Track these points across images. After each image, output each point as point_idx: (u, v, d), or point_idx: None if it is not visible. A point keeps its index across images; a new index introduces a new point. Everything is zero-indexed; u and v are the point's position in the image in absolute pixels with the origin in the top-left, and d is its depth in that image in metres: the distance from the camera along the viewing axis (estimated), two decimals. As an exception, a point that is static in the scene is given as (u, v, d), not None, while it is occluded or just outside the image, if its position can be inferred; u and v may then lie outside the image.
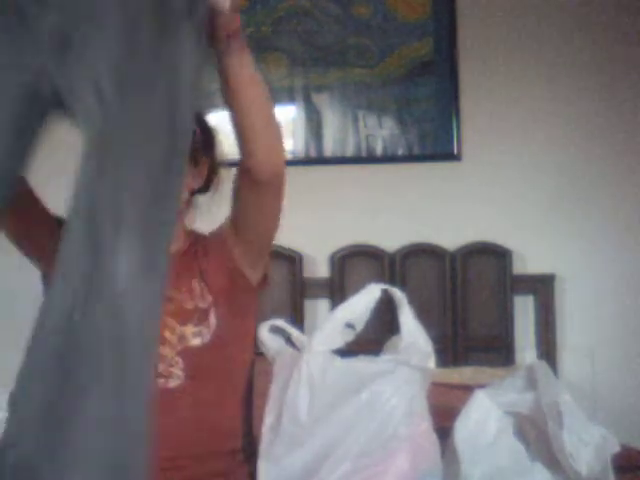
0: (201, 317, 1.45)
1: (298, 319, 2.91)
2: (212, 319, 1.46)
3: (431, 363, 1.46)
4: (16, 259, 2.98)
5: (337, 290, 2.94)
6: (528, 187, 3.02)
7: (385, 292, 1.50)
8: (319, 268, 3.02)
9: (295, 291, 2.93)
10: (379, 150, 3.05)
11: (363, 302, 1.47)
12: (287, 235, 2.97)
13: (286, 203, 3.04)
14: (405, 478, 1.34)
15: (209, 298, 1.47)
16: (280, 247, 2.95)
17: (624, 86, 3.01)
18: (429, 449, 1.40)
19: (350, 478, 1.34)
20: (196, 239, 1.57)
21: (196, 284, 1.48)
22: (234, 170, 1.57)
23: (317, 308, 3.00)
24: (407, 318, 1.48)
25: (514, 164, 3.03)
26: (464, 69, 3.02)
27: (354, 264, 2.98)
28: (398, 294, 1.50)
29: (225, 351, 1.46)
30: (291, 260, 2.95)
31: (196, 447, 1.42)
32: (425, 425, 1.42)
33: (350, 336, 1.45)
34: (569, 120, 3.03)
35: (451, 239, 2.98)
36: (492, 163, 3.04)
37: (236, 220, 1.50)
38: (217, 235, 1.55)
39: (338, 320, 1.45)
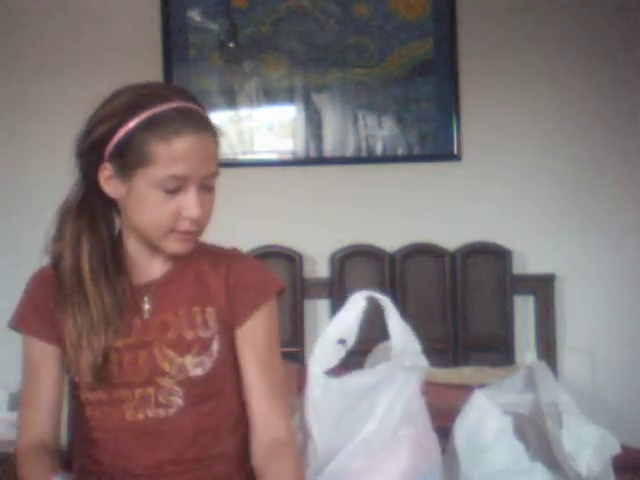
0: (202, 347, 1.39)
1: (298, 319, 2.91)
2: (215, 347, 1.40)
3: (422, 361, 1.46)
4: (15, 261, 2.98)
5: (337, 290, 2.94)
6: (528, 187, 3.02)
7: (370, 298, 1.50)
8: (319, 268, 3.02)
9: (295, 291, 2.93)
10: (379, 150, 3.05)
11: (350, 315, 1.48)
12: (287, 235, 3.00)
13: (286, 203, 3.05)
14: (405, 478, 1.34)
15: (214, 327, 1.40)
16: (280, 247, 2.96)
17: (624, 86, 3.01)
18: (429, 449, 1.40)
19: (351, 479, 1.34)
20: (205, 251, 1.47)
21: (197, 311, 1.41)
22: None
23: (317, 308, 3.00)
24: (395, 322, 1.48)
25: (514, 164, 3.03)
26: (464, 69, 3.02)
27: (354, 264, 2.98)
28: (383, 299, 1.50)
29: (227, 375, 1.42)
30: (291, 260, 2.95)
31: (197, 470, 1.40)
32: (425, 425, 1.42)
33: (342, 352, 1.46)
34: (569, 120, 3.03)
35: (451, 239, 2.98)
36: (492, 163, 3.04)
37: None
38: (253, 293, 1.44)
39: (330, 339, 1.46)
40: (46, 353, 1.42)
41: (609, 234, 3.01)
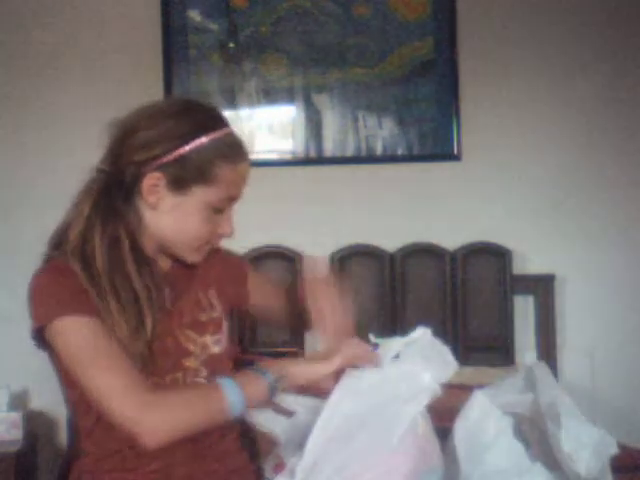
0: (216, 326, 1.46)
1: (298, 319, 2.91)
2: (224, 326, 1.48)
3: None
4: (15, 262, 2.98)
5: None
6: (528, 187, 3.03)
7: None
8: (319, 268, 3.02)
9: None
10: (379, 150, 3.05)
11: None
12: (287, 235, 3.00)
13: (286, 203, 3.05)
14: (405, 478, 1.34)
15: (219, 307, 1.48)
16: (280, 247, 2.96)
17: (624, 86, 3.01)
18: (429, 449, 1.40)
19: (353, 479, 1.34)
20: None
21: (202, 295, 1.47)
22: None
23: (317, 308, 3.00)
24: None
25: (514, 164, 3.03)
26: (464, 69, 3.02)
27: (354, 264, 2.98)
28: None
29: (231, 354, 1.49)
30: (291, 260, 2.95)
31: (218, 446, 1.43)
32: (425, 425, 1.42)
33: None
34: (569, 120, 3.03)
35: (451, 239, 2.98)
36: (492, 163, 3.04)
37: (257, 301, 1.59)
38: (237, 263, 1.62)
39: None
40: (104, 327, 1.30)
41: (609, 234, 3.01)
